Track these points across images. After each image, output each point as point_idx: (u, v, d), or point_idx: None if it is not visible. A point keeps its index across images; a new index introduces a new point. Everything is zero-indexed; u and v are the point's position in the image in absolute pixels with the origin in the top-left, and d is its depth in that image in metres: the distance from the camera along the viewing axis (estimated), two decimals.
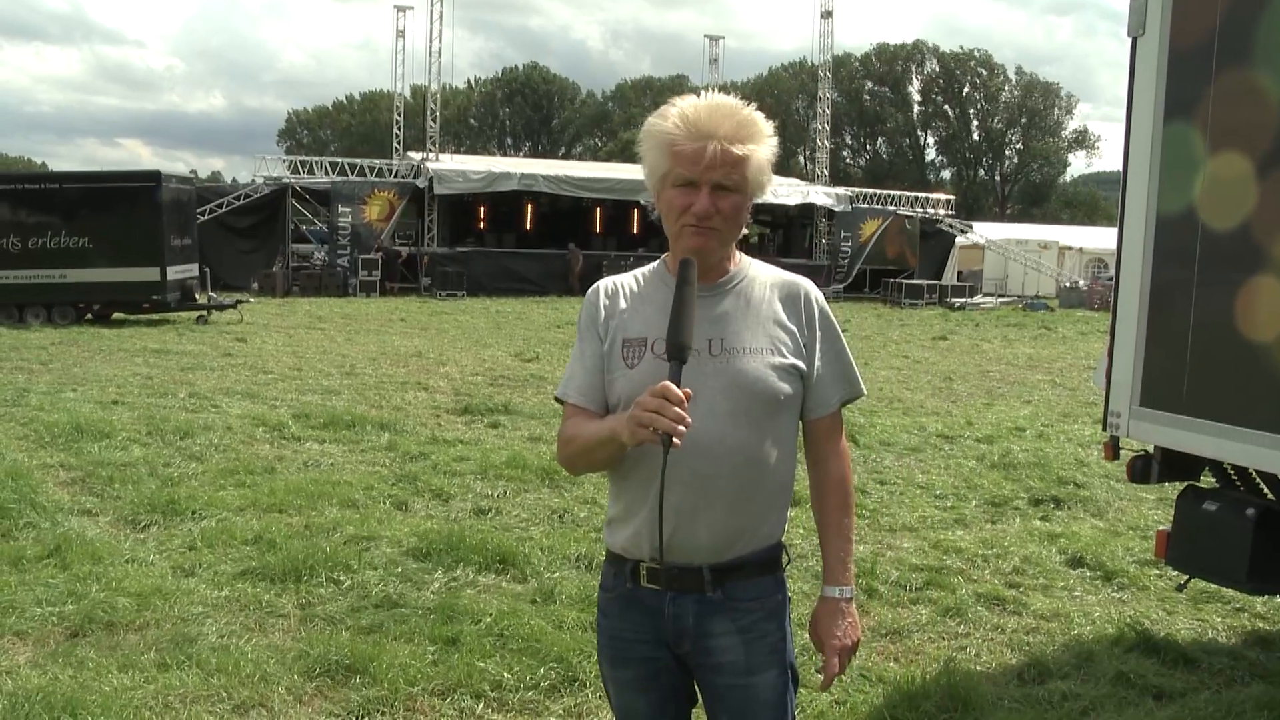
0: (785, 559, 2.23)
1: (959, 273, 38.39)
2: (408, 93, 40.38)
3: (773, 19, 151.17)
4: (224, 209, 30.36)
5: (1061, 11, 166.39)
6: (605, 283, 2.24)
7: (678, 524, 2.08)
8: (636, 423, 1.92)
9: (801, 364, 2.14)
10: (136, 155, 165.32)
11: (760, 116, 2.09)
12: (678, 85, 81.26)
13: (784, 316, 2.15)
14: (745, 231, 2.20)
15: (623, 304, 2.18)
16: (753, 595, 2.15)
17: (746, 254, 2.26)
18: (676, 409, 1.89)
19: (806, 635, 2.26)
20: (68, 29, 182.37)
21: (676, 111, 2.05)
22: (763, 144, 2.07)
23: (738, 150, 2.03)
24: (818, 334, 2.18)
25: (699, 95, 2.10)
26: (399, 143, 38.50)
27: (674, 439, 1.89)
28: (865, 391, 2.29)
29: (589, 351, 2.18)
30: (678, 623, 2.14)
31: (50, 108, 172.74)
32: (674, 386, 1.91)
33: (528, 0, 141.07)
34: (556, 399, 2.23)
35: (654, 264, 2.24)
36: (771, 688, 2.16)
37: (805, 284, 2.22)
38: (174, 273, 20.51)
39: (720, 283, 2.16)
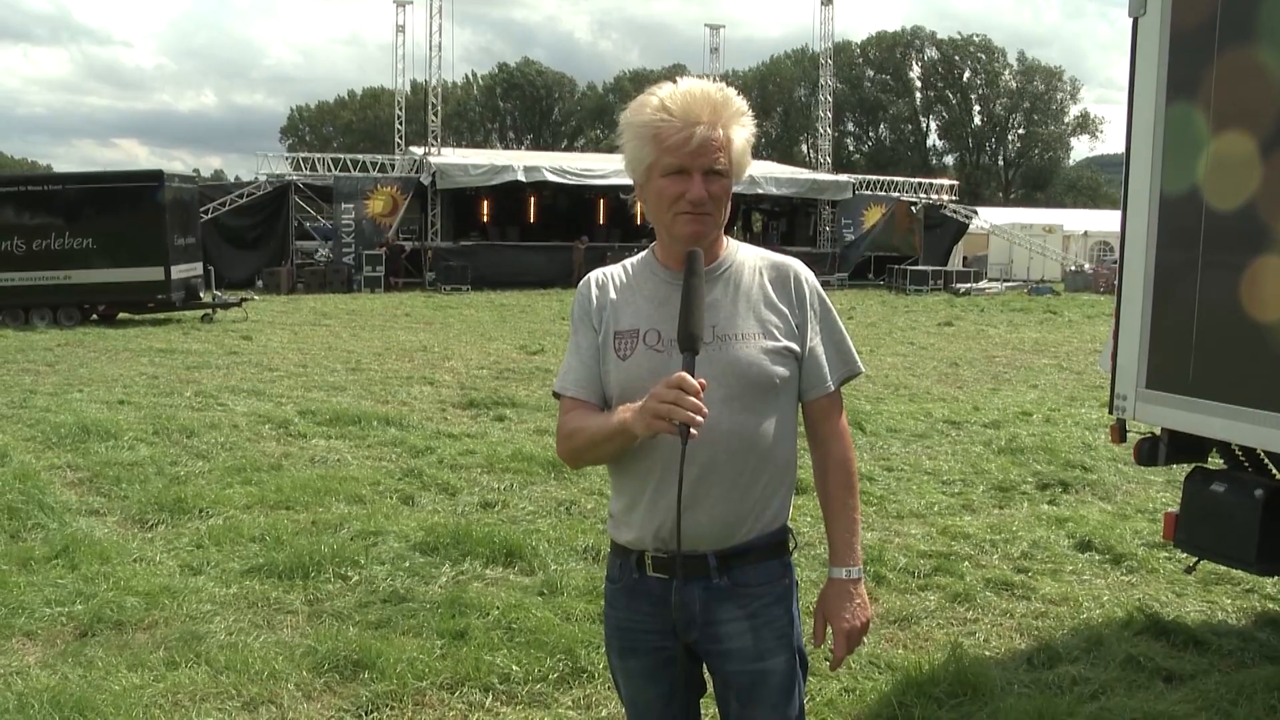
0: (792, 543, 2.22)
1: (964, 258, 38.30)
2: (408, 88, 40.34)
3: (760, 6, 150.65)
4: (227, 207, 30.38)
5: None
6: (595, 274, 2.24)
7: (680, 512, 2.07)
8: (653, 414, 1.91)
9: (795, 346, 2.14)
10: (133, 155, 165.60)
11: (737, 98, 2.09)
12: (676, 75, 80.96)
13: (775, 299, 2.15)
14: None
15: (613, 295, 2.18)
16: (760, 580, 2.15)
17: (745, 241, 2.25)
18: (693, 399, 1.89)
19: (813, 619, 2.25)
20: (54, 30, 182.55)
21: (657, 100, 2.04)
22: (743, 126, 2.08)
23: (723, 134, 2.03)
24: (810, 314, 2.17)
25: (675, 83, 2.08)
26: (401, 138, 38.48)
27: (692, 429, 1.89)
28: (863, 369, 2.29)
29: (585, 344, 2.17)
30: (685, 610, 2.13)
31: (43, 109, 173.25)
32: (690, 377, 1.91)
33: None
34: (555, 394, 2.22)
35: (641, 254, 2.24)
36: (781, 673, 2.16)
37: (794, 264, 2.21)
38: (178, 272, 20.53)
39: (710, 269, 2.14)
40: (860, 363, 2.27)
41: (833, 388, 2.20)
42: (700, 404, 1.89)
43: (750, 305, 2.13)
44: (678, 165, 2.03)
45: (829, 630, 2.21)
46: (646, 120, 2.04)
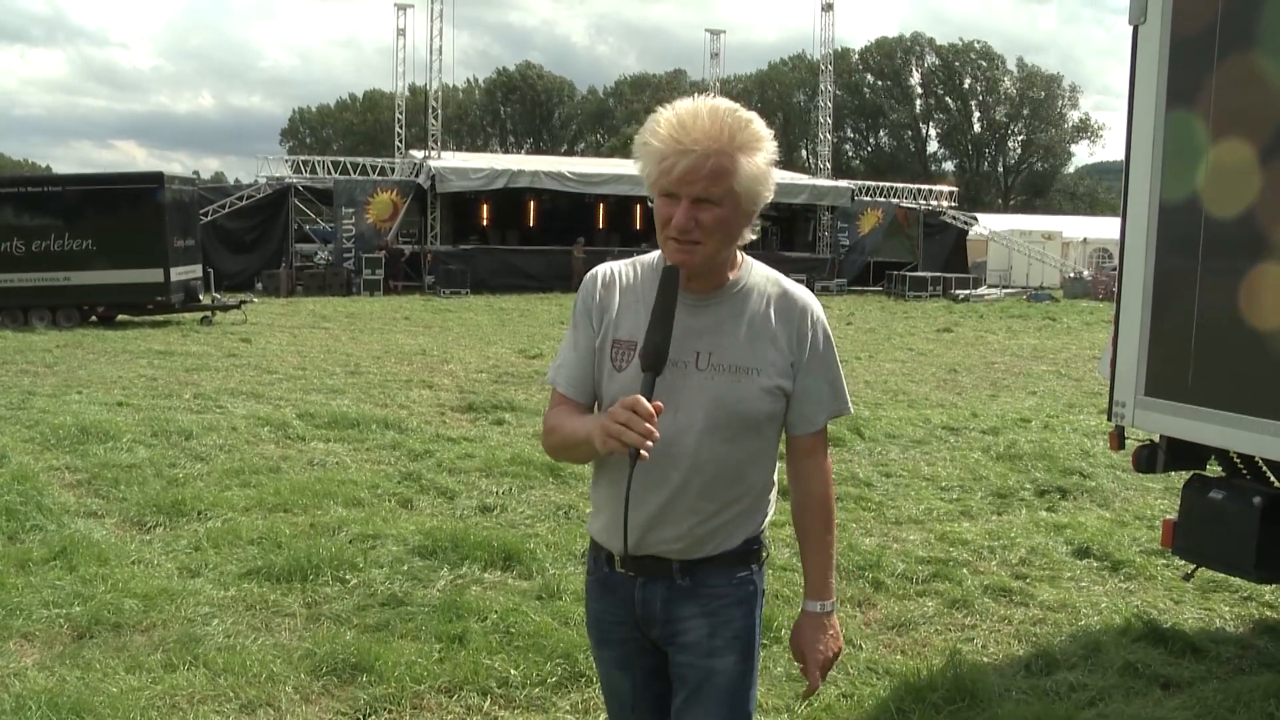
0: (764, 553, 2.24)
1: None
2: (408, 91, 40.35)
3: (755, 12, 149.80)
4: (227, 209, 30.39)
5: (1041, 0, 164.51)
6: (603, 270, 2.21)
7: (647, 526, 2.11)
8: (606, 433, 1.93)
9: (787, 384, 2.12)
10: (131, 157, 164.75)
11: (754, 122, 2.00)
12: (676, 80, 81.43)
13: (776, 331, 2.11)
14: (752, 237, 2.11)
15: (617, 298, 2.15)
16: (723, 582, 2.17)
17: (744, 248, 2.20)
18: (646, 424, 1.89)
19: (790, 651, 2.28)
20: (50, 31, 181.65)
21: (664, 119, 1.98)
22: (755, 153, 1.98)
23: (721, 162, 1.94)
24: (808, 352, 2.14)
25: (695, 98, 2.02)
26: (401, 141, 38.49)
27: (641, 452, 1.90)
28: (851, 410, 2.27)
29: (582, 341, 2.17)
30: (646, 608, 2.17)
31: (41, 110, 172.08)
32: (644, 401, 1.90)
33: None
34: (549, 383, 2.24)
35: (654, 255, 2.18)
36: (729, 674, 2.16)
37: (804, 297, 2.16)
38: (178, 274, 20.50)
39: (715, 292, 2.11)
40: (850, 404, 2.24)
41: (820, 425, 2.19)
42: (651, 428, 1.89)
43: (751, 337, 2.09)
44: (667, 189, 1.99)
45: (803, 661, 2.23)
46: (647, 139, 2.00)
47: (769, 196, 2.04)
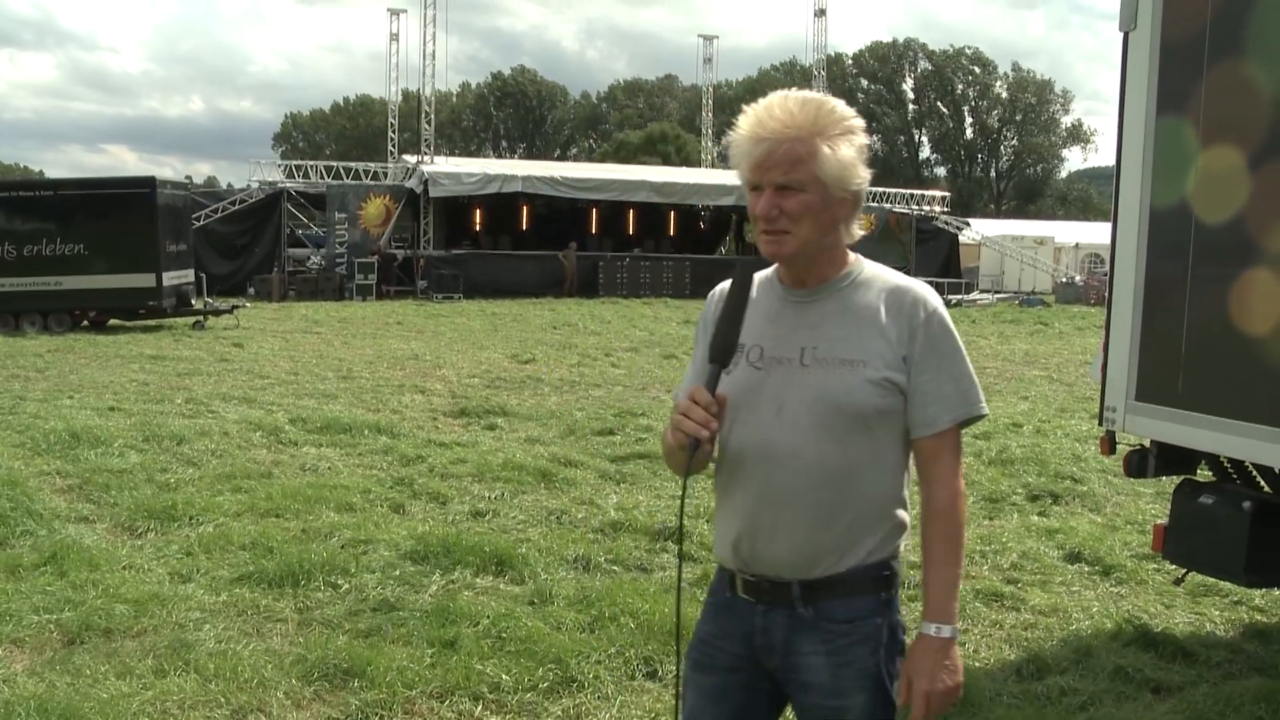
0: (895, 583, 2.12)
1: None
2: (400, 96, 40.36)
3: (744, 17, 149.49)
4: (219, 214, 30.34)
5: (1030, 5, 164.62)
6: (721, 286, 2.17)
7: (756, 536, 2.05)
8: (672, 425, 1.93)
9: (899, 377, 2.00)
10: (122, 161, 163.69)
11: (829, 103, 1.98)
12: (669, 85, 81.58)
13: (886, 325, 2.01)
14: (861, 232, 2.07)
15: None
16: (846, 616, 2.05)
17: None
18: (703, 412, 1.89)
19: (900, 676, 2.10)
20: (40, 35, 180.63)
21: (745, 116, 1.98)
22: (837, 137, 1.95)
23: (796, 148, 1.92)
24: (922, 346, 2.01)
25: (781, 91, 2.00)
26: (394, 146, 38.47)
27: (701, 443, 1.90)
28: (986, 412, 2.09)
29: (699, 354, 2.14)
30: (767, 636, 2.08)
31: (31, 114, 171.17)
32: (705, 391, 1.91)
33: (495, 0, 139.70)
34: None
35: (769, 269, 2.13)
36: (860, 712, 2.04)
37: (918, 290, 2.04)
38: (170, 278, 20.46)
39: (821, 287, 2.06)
40: (984, 404, 2.08)
41: (942, 428, 2.04)
42: (709, 417, 1.89)
43: (859, 330, 2.01)
44: (752, 181, 1.98)
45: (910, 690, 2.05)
46: (735, 136, 1.99)
47: (862, 184, 2.00)
